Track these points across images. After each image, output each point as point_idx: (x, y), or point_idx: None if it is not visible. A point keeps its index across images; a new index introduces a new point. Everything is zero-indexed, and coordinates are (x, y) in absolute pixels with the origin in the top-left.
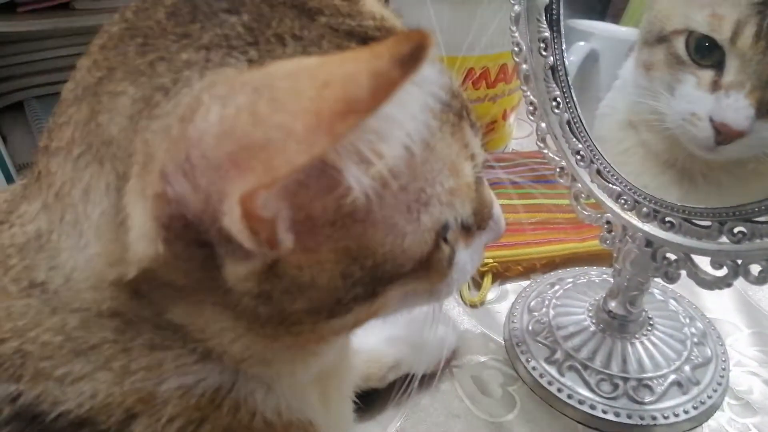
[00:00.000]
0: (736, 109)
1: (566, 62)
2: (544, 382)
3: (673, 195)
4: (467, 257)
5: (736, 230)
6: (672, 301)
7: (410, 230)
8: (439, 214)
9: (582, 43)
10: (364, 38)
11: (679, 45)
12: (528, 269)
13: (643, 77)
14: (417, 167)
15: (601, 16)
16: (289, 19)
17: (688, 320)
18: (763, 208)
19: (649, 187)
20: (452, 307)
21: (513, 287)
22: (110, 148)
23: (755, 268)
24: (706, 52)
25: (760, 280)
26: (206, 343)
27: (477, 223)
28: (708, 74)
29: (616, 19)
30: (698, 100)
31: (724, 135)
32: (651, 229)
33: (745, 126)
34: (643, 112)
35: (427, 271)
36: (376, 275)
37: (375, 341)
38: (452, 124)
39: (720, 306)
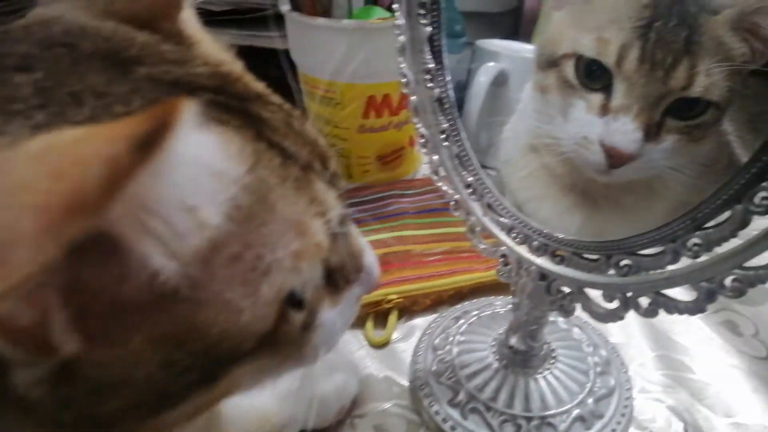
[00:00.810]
0: (624, 132)
1: (450, 93)
2: (447, 427)
3: (577, 218)
4: (335, 316)
5: (622, 263)
6: (576, 329)
7: (248, 304)
8: (283, 282)
9: (491, 63)
10: (193, 88)
11: (569, 69)
12: (436, 302)
13: (539, 101)
14: (251, 232)
15: (514, 35)
16: (93, 73)
17: (591, 349)
18: (645, 241)
19: (553, 211)
20: (355, 349)
21: (421, 322)
22: None
23: (644, 301)
24: (594, 76)
25: (649, 313)
26: None
27: (345, 277)
28: (597, 98)
29: (528, 39)
30: (589, 124)
31: (614, 159)
32: (543, 262)
33: (633, 149)
34: (542, 136)
35: (276, 344)
36: (210, 358)
37: (264, 399)
38: (296, 178)
39: (625, 330)
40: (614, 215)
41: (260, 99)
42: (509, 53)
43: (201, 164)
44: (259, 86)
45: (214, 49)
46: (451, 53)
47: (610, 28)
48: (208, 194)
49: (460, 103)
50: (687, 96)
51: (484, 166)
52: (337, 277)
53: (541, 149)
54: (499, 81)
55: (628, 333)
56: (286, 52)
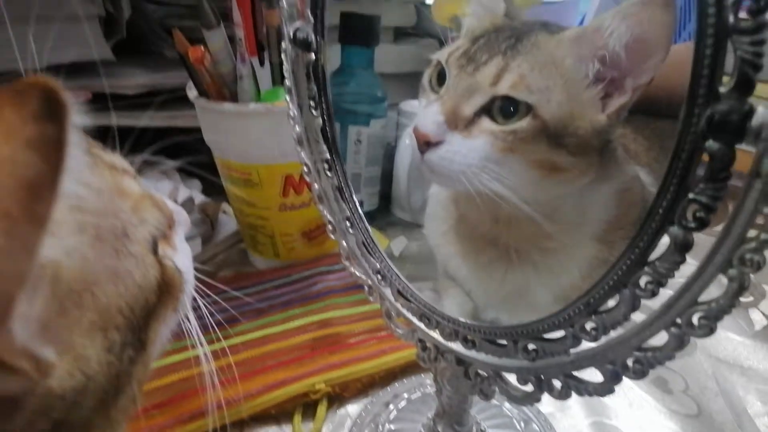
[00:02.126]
0: (427, 115)
1: (349, 182)
2: None
3: (495, 275)
4: (182, 257)
5: (529, 347)
6: (506, 404)
7: (132, 265)
8: (142, 235)
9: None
10: None
11: (426, 74)
12: (367, 385)
13: None
14: (94, 208)
15: None
16: None
17: (522, 424)
18: (547, 325)
19: (474, 267)
20: None
21: (353, 409)
22: None
23: (557, 383)
24: (442, 81)
25: (562, 395)
26: None
27: (167, 225)
28: (433, 96)
29: None
30: (417, 117)
31: (418, 140)
32: (457, 347)
33: (430, 129)
34: None
35: (168, 289)
36: (134, 327)
37: None
38: (85, 153)
39: None
40: (530, 273)
41: None
42: None
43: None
44: None
45: None
46: (377, 117)
47: (460, 40)
48: (79, 169)
49: (392, 166)
50: (497, 93)
51: (418, 225)
52: (162, 224)
53: (460, 199)
54: None
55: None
56: None
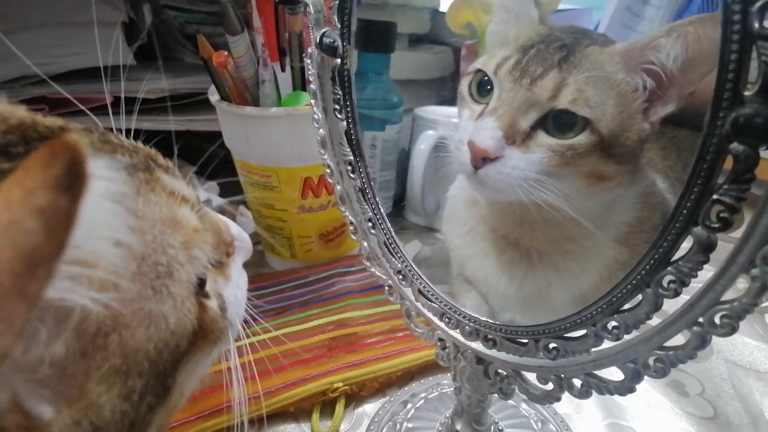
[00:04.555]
0: (484, 129)
1: (372, 184)
2: None
3: (515, 276)
4: (234, 288)
5: (550, 346)
6: (524, 405)
7: (168, 308)
8: (187, 275)
9: (430, 131)
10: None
11: (464, 83)
12: (384, 384)
13: None
14: (138, 245)
15: (454, 100)
16: None
17: (539, 425)
18: (569, 324)
19: (492, 268)
20: None
21: (370, 408)
22: None
23: (577, 382)
24: (483, 90)
25: (582, 394)
26: None
27: (224, 252)
28: (479, 107)
29: None
30: (465, 129)
31: (474, 154)
32: (477, 346)
33: (489, 145)
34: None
35: (205, 334)
36: (158, 372)
37: None
38: (146, 181)
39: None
40: (550, 275)
41: (69, 130)
42: (444, 120)
43: (108, 191)
44: (55, 119)
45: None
46: (392, 123)
47: (501, 49)
48: (102, 221)
49: (406, 170)
50: (556, 107)
51: (432, 229)
52: (218, 254)
53: (481, 200)
54: (440, 147)
55: (578, 401)
56: None
